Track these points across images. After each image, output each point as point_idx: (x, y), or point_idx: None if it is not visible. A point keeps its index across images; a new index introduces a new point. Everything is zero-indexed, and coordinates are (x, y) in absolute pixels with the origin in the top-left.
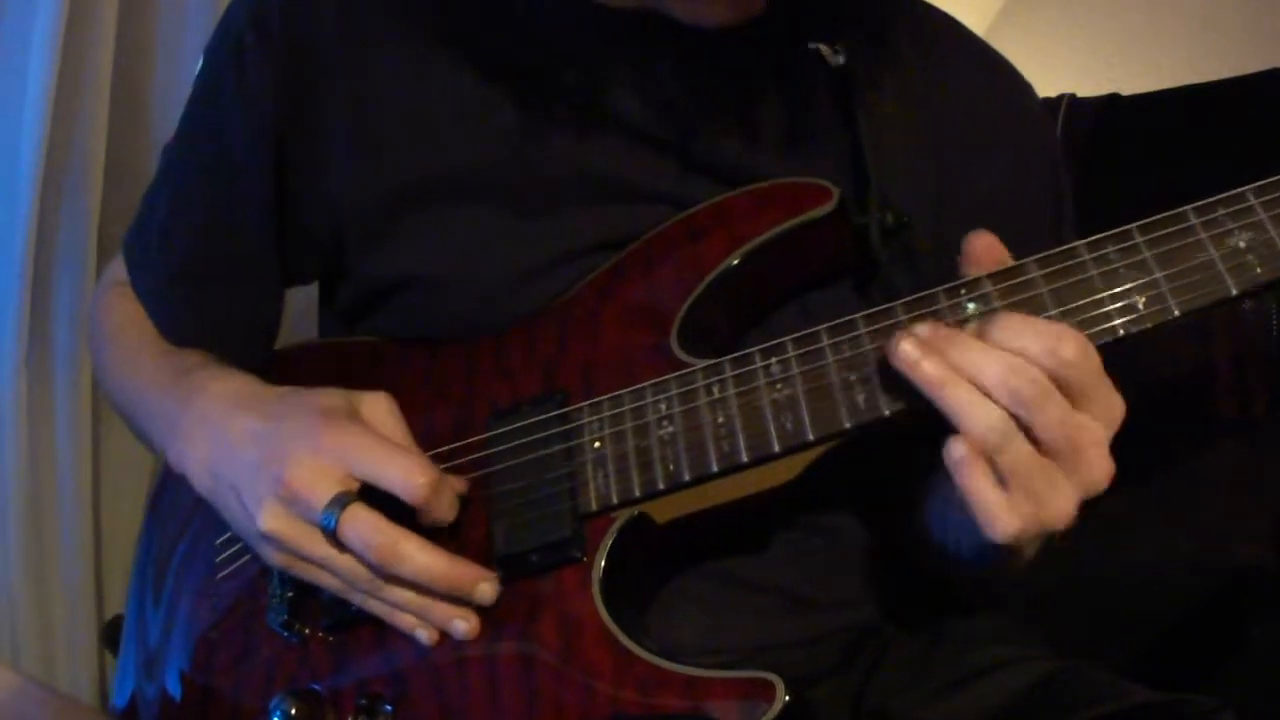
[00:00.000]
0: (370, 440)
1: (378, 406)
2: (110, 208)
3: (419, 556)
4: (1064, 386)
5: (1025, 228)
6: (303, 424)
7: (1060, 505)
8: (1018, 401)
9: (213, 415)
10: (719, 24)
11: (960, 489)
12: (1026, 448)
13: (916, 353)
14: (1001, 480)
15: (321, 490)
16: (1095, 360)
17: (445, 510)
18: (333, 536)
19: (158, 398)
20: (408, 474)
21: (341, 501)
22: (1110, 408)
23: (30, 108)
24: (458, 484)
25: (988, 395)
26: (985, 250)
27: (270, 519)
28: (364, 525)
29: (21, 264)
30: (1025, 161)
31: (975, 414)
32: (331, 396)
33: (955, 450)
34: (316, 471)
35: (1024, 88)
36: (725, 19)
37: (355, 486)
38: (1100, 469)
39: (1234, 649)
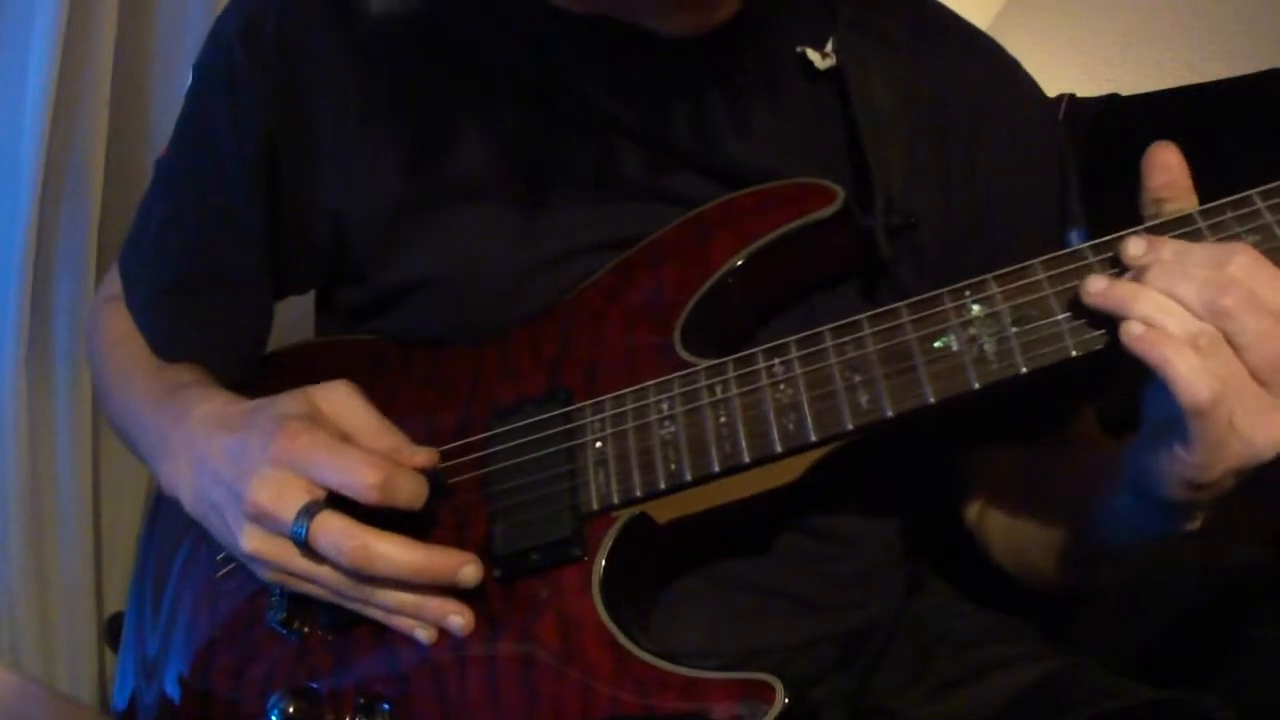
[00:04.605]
0: (318, 445)
1: (334, 395)
2: (110, 209)
3: (394, 554)
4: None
5: (1030, 203)
6: (262, 437)
7: (1270, 428)
8: (1216, 312)
9: (195, 438)
10: (692, 34)
11: (1151, 363)
12: (1235, 362)
13: (1103, 282)
14: None
15: (288, 503)
16: (1273, 274)
17: (408, 497)
18: (306, 548)
19: (148, 418)
20: (356, 476)
21: (310, 511)
22: None
23: (30, 109)
24: (421, 459)
25: (1186, 309)
26: (1169, 160)
27: (250, 539)
28: (333, 532)
29: (21, 264)
30: (1026, 138)
31: (1171, 318)
32: (290, 401)
33: (1133, 328)
34: (279, 484)
35: (1017, 68)
36: (690, 30)
37: (322, 494)
38: None
39: (1234, 649)
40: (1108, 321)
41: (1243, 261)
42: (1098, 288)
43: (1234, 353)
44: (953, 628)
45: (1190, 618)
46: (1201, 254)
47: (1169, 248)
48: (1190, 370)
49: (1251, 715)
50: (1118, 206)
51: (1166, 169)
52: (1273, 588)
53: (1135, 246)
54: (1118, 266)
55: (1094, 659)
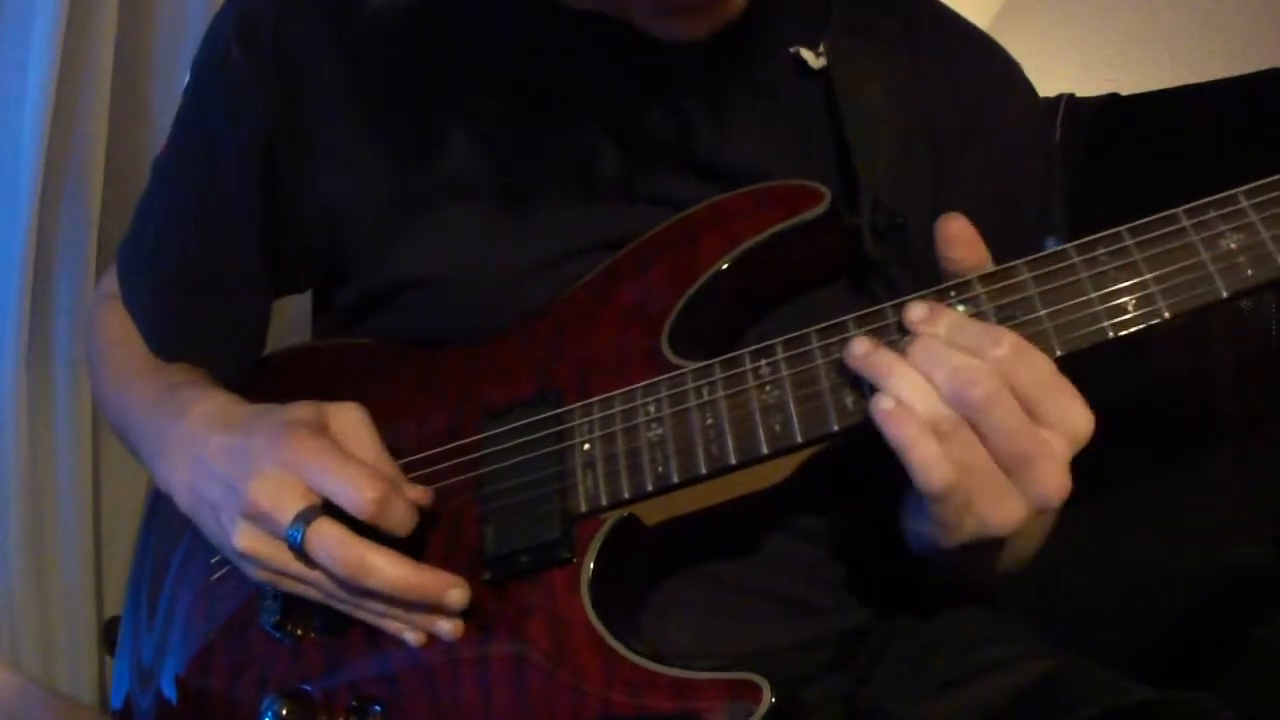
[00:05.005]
0: (324, 453)
1: (346, 417)
2: (110, 209)
3: (386, 569)
4: (1013, 393)
5: (1013, 208)
6: (267, 439)
7: (1006, 513)
8: (962, 403)
9: (193, 436)
10: (688, 40)
11: (892, 442)
12: (978, 449)
13: (866, 346)
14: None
15: (286, 506)
16: (1040, 367)
17: (397, 524)
18: (300, 552)
19: (146, 417)
20: (356, 489)
21: (306, 516)
22: (1069, 421)
23: (30, 108)
24: (416, 494)
25: (936, 391)
26: (959, 232)
27: (243, 538)
28: (329, 540)
29: (21, 264)
30: (1016, 144)
31: (920, 399)
32: (300, 409)
33: (883, 402)
34: (280, 486)
35: (1012, 66)
36: (692, 36)
37: (319, 500)
38: (1053, 484)
39: (1234, 649)
40: (1094, 320)
41: (1004, 349)
42: (860, 351)
43: (977, 440)
44: (952, 628)
45: (1190, 618)
46: (968, 335)
47: (944, 322)
48: (928, 457)
49: (1251, 715)
50: (1116, 206)
51: (961, 241)
52: (1273, 588)
53: (915, 311)
54: (1098, 267)
55: (1094, 659)
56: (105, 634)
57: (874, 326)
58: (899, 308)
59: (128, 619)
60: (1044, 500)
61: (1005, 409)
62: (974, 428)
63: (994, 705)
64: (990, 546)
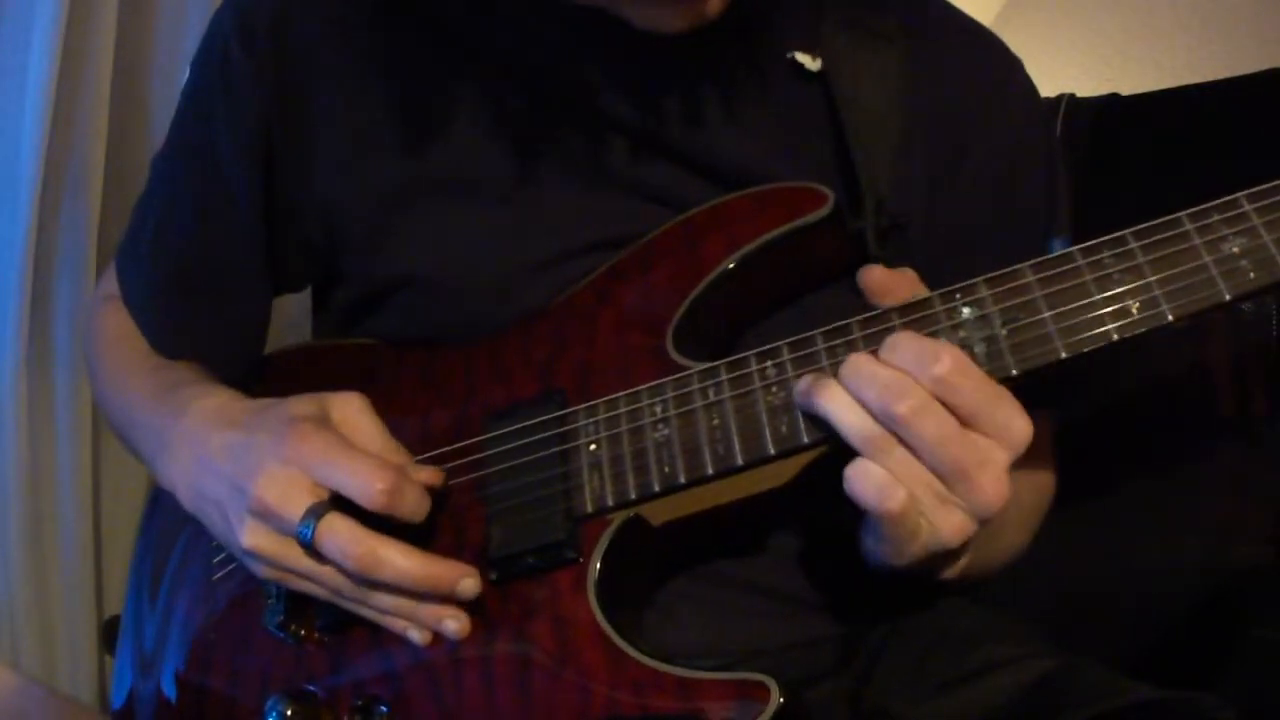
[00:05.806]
0: (330, 447)
1: (348, 407)
2: (110, 209)
3: (398, 561)
4: (949, 406)
5: (1016, 210)
6: (272, 436)
7: (950, 524)
8: (891, 420)
9: (195, 433)
10: (671, 32)
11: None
12: (914, 463)
13: (806, 382)
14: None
15: (294, 503)
16: (977, 379)
17: (411, 510)
18: (311, 548)
19: (146, 415)
20: (365, 481)
21: (316, 512)
22: (1007, 429)
23: (30, 108)
24: (426, 475)
25: (868, 413)
26: (881, 280)
27: (250, 535)
28: (340, 535)
29: (21, 264)
30: (1016, 145)
31: (850, 422)
32: (302, 403)
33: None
34: (287, 483)
35: (1014, 65)
36: (676, 27)
37: (326, 495)
38: (990, 493)
39: (1234, 649)
40: (1098, 322)
41: (944, 365)
42: (801, 388)
43: (911, 455)
44: (952, 628)
45: (1190, 618)
46: (903, 353)
47: (886, 341)
48: (879, 480)
49: (1251, 715)
50: (1116, 206)
51: (887, 288)
52: (1273, 588)
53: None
54: (1102, 270)
55: (1094, 659)
56: (105, 633)
57: (877, 329)
58: (904, 310)
59: (128, 619)
60: (983, 508)
61: (938, 418)
62: (906, 443)
63: (994, 705)
64: (944, 558)
